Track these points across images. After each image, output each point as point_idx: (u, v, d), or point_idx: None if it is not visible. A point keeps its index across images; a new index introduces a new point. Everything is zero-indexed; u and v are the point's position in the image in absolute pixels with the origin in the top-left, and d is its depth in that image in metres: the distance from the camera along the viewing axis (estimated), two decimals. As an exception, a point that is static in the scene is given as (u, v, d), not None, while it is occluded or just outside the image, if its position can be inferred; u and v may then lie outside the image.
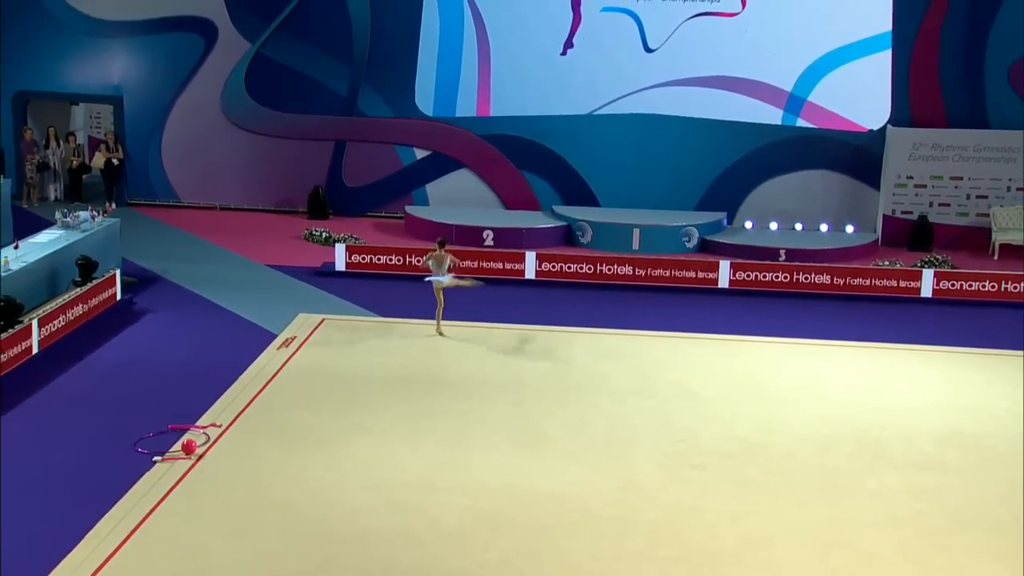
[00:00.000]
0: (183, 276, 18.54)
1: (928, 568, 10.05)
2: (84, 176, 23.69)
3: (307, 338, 15.73)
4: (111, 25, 23.11)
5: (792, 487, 11.54)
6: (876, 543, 10.43)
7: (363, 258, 19.20)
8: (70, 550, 9.81)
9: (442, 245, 16.14)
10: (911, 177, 21.96)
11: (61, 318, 15.28)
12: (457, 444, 12.33)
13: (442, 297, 15.97)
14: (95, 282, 16.41)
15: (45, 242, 16.83)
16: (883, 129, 22.10)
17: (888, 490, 11.55)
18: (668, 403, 13.73)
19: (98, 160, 23.24)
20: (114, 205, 19.82)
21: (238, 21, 22.84)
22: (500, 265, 19.08)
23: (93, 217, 17.90)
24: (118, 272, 17.18)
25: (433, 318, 16.06)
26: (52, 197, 23.49)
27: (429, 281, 16.02)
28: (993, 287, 18.60)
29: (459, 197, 22.87)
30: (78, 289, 16.09)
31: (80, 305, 15.83)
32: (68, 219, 17.58)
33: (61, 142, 23.56)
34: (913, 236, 21.81)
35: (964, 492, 11.55)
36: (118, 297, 16.96)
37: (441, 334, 15.96)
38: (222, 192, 23.56)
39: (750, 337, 16.37)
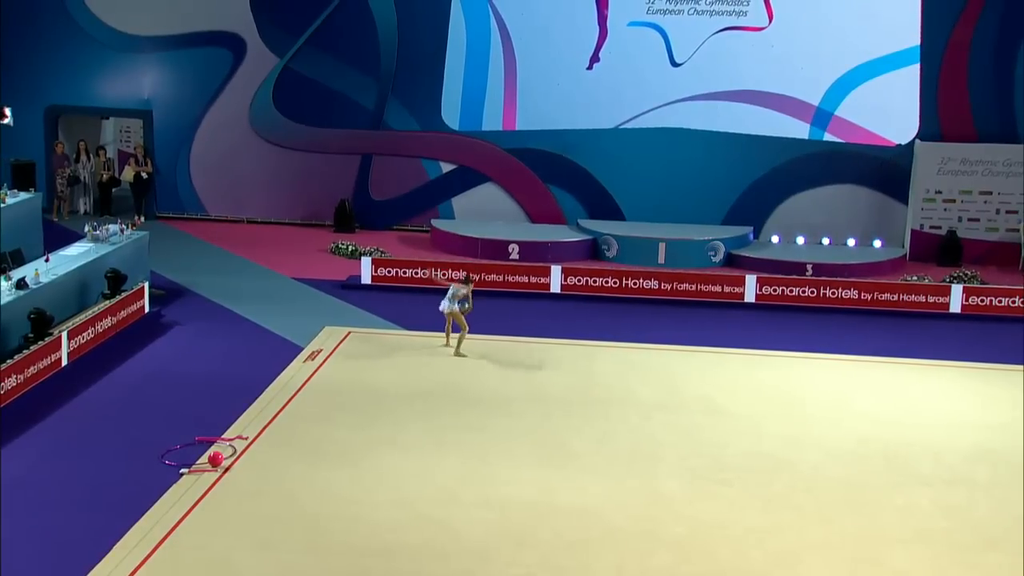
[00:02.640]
0: (210, 289, 18.65)
1: (957, 586, 9.99)
2: (114, 190, 23.86)
3: (333, 351, 15.78)
4: (141, 40, 23.29)
5: (819, 503, 11.48)
6: (904, 560, 10.36)
7: (389, 271, 19.24)
8: (98, 561, 9.87)
9: (468, 281, 16.08)
10: (940, 192, 21.83)
11: (90, 330, 15.40)
12: (482, 458, 12.33)
13: (451, 319, 15.90)
14: (124, 295, 16.53)
15: (75, 255, 16.97)
16: (911, 143, 21.98)
17: (916, 507, 11.46)
18: (694, 418, 13.69)
19: (127, 174, 23.42)
20: (143, 218, 19.98)
21: (266, 36, 22.98)
22: (525, 279, 19.07)
23: (122, 230, 18.06)
24: (146, 285, 17.30)
25: (457, 331, 16.01)
26: (82, 210, 23.67)
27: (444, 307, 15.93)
28: (1023, 303, 18.44)
29: (485, 211, 22.89)
30: (107, 302, 16.22)
31: (109, 318, 15.94)
32: (97, 232, 17.73)
33: (91, 156, 23.74)
34: (942, 251, 21.67)
35: (993, 509, 11.45)
36: (146, 310, 17.07)
37: (448, 346, 15.95)
38: (249, 205, 23.68)
39: (776, 352, 16.29)
